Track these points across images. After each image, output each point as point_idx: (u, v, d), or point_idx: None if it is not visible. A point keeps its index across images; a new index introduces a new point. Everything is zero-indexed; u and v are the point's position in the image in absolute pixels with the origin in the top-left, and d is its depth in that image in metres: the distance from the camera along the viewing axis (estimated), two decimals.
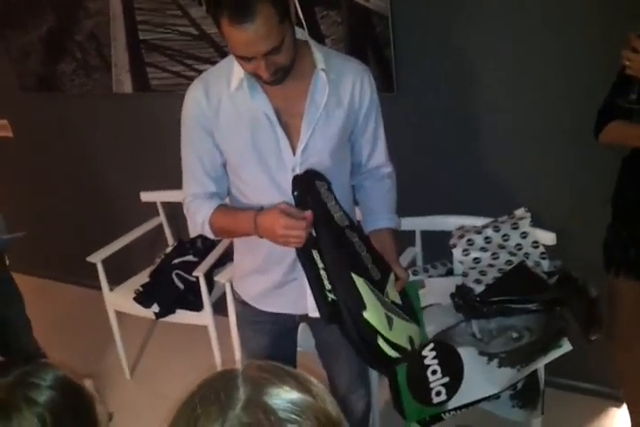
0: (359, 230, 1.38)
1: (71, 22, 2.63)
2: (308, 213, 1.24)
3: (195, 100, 1.33)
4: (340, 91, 1.34)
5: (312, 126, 1.32)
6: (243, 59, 1.19)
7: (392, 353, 1.26)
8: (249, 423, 0.60)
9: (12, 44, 2.84)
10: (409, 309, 1.41)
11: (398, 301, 1.37)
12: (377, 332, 1.24)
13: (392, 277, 1.38)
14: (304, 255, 1.30)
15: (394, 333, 1.28)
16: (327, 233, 1.28)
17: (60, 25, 2.67)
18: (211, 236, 1.41)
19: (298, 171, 1.34)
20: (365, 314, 1.24)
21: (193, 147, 1.37)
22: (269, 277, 1.44)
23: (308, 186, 1.30)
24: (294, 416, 0.61)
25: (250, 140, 1.32)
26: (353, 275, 1.26)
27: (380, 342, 1.25)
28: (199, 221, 1.38)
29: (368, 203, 1.53)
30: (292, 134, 1.33)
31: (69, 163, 2.99)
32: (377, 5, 1.96)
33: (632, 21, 1.37)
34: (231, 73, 1.30)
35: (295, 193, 1.30)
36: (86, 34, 2.62)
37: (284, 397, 0.63)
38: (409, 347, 1.32)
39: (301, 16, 2.09)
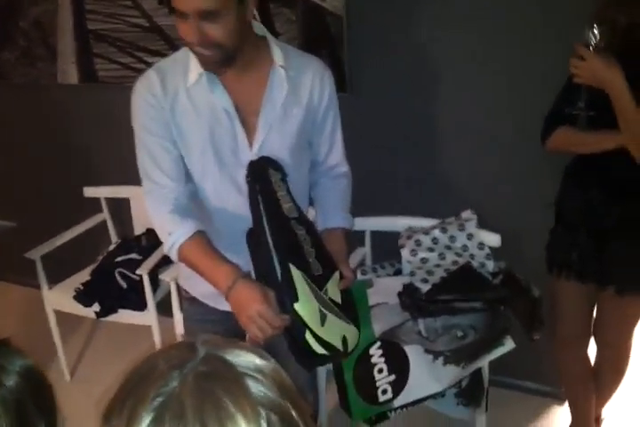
0: (308, 224, 1.35)
1: (16, 8, 2.53)
2: (286, 318, 1.22)
3: (149, 90, 1.27)
4: (299, 88, 1.32)
5: (269, 123, 1.30)
6: (178, 16, 1.15)
7: (319, 350, 1.24)
8: (206, 372, 0.58)
9: None
10: (350, 310, 1.39)
11: (338, 300, 1.35)
12: (306, 325, 1.22)
13: (337, 275, 1.37)
14: (253, 243, 1.28)
15: (325, 330, 1.26)
16: (269, 220, 1.27)
17: (4, 11, 2.57)
18: (174, 259, 1.35)
19: None
20: (296, 305, 1.22)
21: (152, 134, 1.30)
22: (238, 258, 1.37)
23: (261, 172, 1.28)
24: (254, 373, 0.59)
25: (207, 137, 1.28)
26: (290, 266, 1.25)
27: (308, 336, 1.23)
28: (168, 243, 1.31)
29: (322, 201, 1.51)
30: (249, 131, 1.30)
31: (10, 155, 2.86)
32: (332, 5, 1.97)
33: (579, 31, 1.41)
34: (188, 67, 1.26)
35: (248, 179, 1.28)
36: (31, 21, 2.52)
37: (243, 357, 0.61)
38: (341, 347, 1.30)
39: (255, 12, 2.07)
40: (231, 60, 1.22)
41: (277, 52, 1.29)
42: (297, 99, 1.32)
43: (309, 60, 1.37)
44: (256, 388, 0.57)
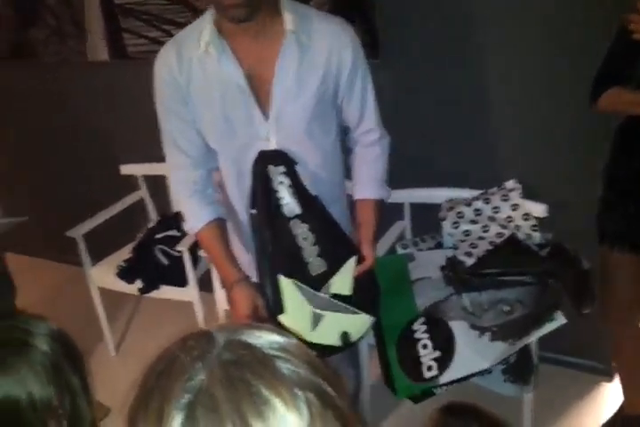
0: (315, 218, 1.32)
1: None
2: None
3: (165, 63, 1.26)
4: (315, 54, 1.25)
5: (284, 92, 1.25)
6: None
7: None
8: (232, 360, 0.54)
9: None
10: (366, 293, 1.39)
11: (346, 291, 1.35)
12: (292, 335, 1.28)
13: (350, 262, 1.35)
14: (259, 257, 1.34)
15: (317, 332, 1.30)
16: (265, 226, 1.28)
17: None
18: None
19: (272, 140, 1.27)
20: (282, 318, 1.28)
21: (171, 112, 1.30)
22: (248, 254, 1.42)
23: (259, 172, 1.27)
24: (280, 353, 0.55)
25: (220, 111, 1.25)
26: (280, 277, 1.28)
27: None
28: (189, 225, 1.37)
29: (355, 171, 1.48)
30: (264, 101, 1.26)
31: (45, 135, 2.88)
32: None
33: None
34: (201, 33, 1.23)
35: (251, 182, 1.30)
36: None
37: (264, 337, 0.57)
38: (338, 343, 1.34)
39: None
40: (257, 9, 1.16)
41: (288, 16, 1.22)
42: (312, 65, 1.26)
43: (328, 23, 1.28)
44: (287, 368, 0.54)
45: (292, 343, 0.58)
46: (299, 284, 1.29)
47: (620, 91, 1.44)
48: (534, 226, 1.77)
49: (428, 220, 1.91)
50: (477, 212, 1.84)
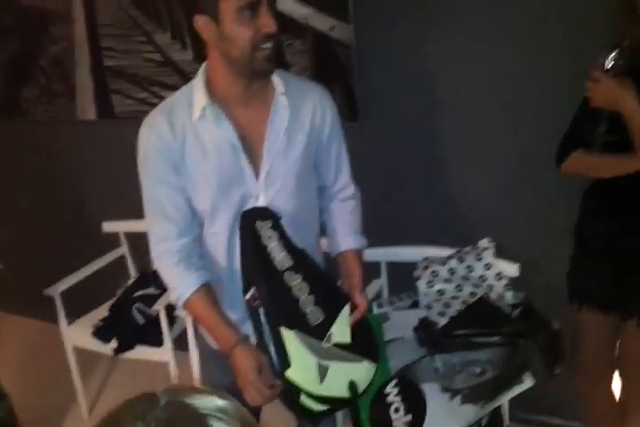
0: (306, 269, 1.34)
1: (35, 48, 2.61)
2: (278, 384, 1.27)
3: (158, 135, 1.28)
4: (301, 114, 1.34)
5: (274, 151, 1.31)
6: (248, 7, 1.16)
7: (317, 408, 1.28)
8: (168, 418, 0.60)
9: None
10: (366, 340, 1.39)
11: (346, 339, 1.34)
12: (300, 389, 1.26)
13: (346, 310, 1.36)
14: (252, 313, 1.32)
15: (326, 384, 1.28)
16: (260, 282, 1.28)
17: (25, 50, 2.65)
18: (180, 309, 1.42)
19: (261, 198, 1.32)
20: (289, 373, 1.26)
21: (160, 181, 1.31)
22: (234, 313, 1.41)
23: (247, 228, 1.30)
24: (217, 414, 0.62)
25: (214, 170, 1.29)
26: (282, 330, 1.27)
27: (304, 398, 1.26)
28: (174, 296, 1.35)
29: (332, 224, 1.51)
30: (255, 161, 1.31)
31: (30, 191, 2.92)
32: (341, 35, 1.98)
33: (594, 54, 1.39)
34: (192, 102, 1.28)
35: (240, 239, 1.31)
36: (51, 60, 2.60)
37: (206, 400, 0.63)
38: (347, 394, 1.32)
39: None
40: (277, 58, 1.27)
41: (277, 79, 1.31)
42: (299, 125, 1.34)
43: (308, 84, 1.40)
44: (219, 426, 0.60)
45: (231, 405, 0.64)
46: (301, 334, 1.28)
47: (583, 155, 1.49)
48: (507, 285, 1.79)
49: (405, 278, 1.93)
50: (451, 271, 1.86)
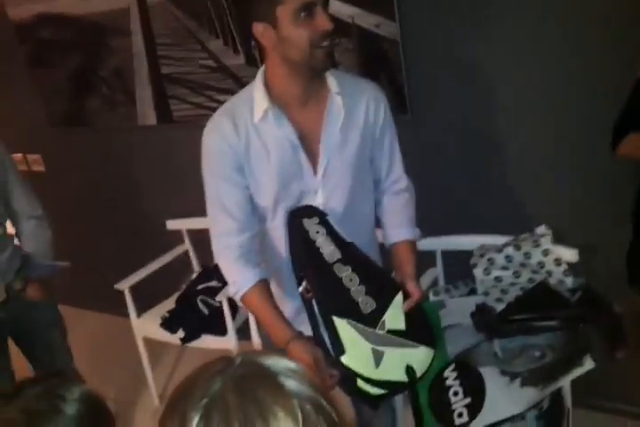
0: (355, 260, 1.39)
1: (96, 60, 2.76)
2: (335, 374, 1.31)
3: (224, 138, 1.34)
4: (355, 112, 1.39)
5: (330, 149, 1.37)
6: (304, 9, 1.21)
7: (375, 391, 1.31)
8: (244, 374, 0.67)
9: (42, 82, 2.98)
10: (420, 328, 1.41)
11: (401, 326, 1.38)
12: (356, 374, 1.30)
13: (398, 298, 1.39)
14: (307, 304, 1.36)
15: (382, 369, 1.31)
16: (311, 275, 1.34)
17: (86, 63, 2.80)
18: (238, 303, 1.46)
19: (320, 193, 1.38)
20: (343, 359, 1.30)
21: (223, 179, 1.37)
22: (296, 301, 1.46)
23: (297, 229, 1.36)
24: (288, 372, 0.68)
25: (276, 168, 1.36)
26: (334, 318, 1.31)
27: (361, 383, 1.30)
28: (232, 290, 1.40)
29: (385, 217, 1.56)
30: (313, 158, 1.38)
31: (98, 194, 3.09)
32: (387, 31, 2.01)
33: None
34: (253, 104, 1.34)
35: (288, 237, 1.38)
36: (111, 70, 2.74)
37: (277, 360, 0.70)
38: (404, 378, 1.34)
39: None
40: (333, 55, 1.34)
41: (332, 79, 1.37)
42: (354, 122, 1.39)
43: (363, 84, 1.45)
44: (289, 383, 0.66)
45: (300, 368, 0.71)
46: (353, 322, 1.32)
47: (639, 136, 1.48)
48: (566, 271, 1.77)
49: (460, 266, 1.94)
50: (508, 258, 1.85)
